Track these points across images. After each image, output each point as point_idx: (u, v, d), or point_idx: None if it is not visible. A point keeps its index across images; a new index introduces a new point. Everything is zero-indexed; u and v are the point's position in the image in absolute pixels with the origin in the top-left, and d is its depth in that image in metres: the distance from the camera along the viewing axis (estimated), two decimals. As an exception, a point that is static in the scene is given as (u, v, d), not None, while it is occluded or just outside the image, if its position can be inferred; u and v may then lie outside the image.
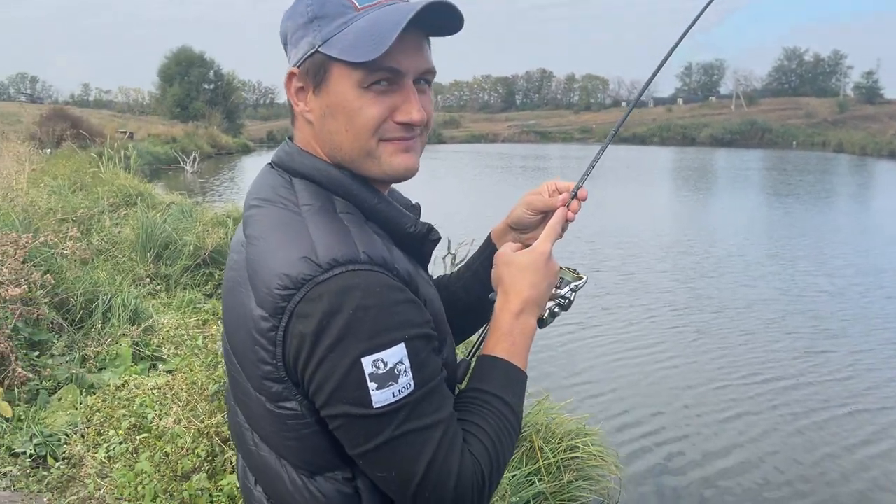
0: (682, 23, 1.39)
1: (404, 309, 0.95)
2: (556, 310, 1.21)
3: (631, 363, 7.09)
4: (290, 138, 1.13)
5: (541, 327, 1.19)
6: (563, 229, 1.27)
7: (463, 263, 1.45)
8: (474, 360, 1.15)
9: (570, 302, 1.22)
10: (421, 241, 1.11)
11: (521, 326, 1.12)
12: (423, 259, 1.14)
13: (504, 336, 1.11)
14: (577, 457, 4.29)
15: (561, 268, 1.23)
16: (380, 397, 0.91)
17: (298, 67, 1.03)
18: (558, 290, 1.21)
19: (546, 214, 1.30)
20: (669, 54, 1.39)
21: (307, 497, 1.02)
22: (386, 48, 0.94)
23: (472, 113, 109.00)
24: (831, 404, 6.06)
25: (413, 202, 1.25)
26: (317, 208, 1.01)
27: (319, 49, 0.99)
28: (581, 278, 1.24)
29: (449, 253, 7.42)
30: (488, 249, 1.38)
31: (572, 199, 1.26)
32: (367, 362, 0.90)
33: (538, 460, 4.11)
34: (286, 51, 1.07)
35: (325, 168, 1.05)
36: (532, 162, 43.47)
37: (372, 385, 0.90)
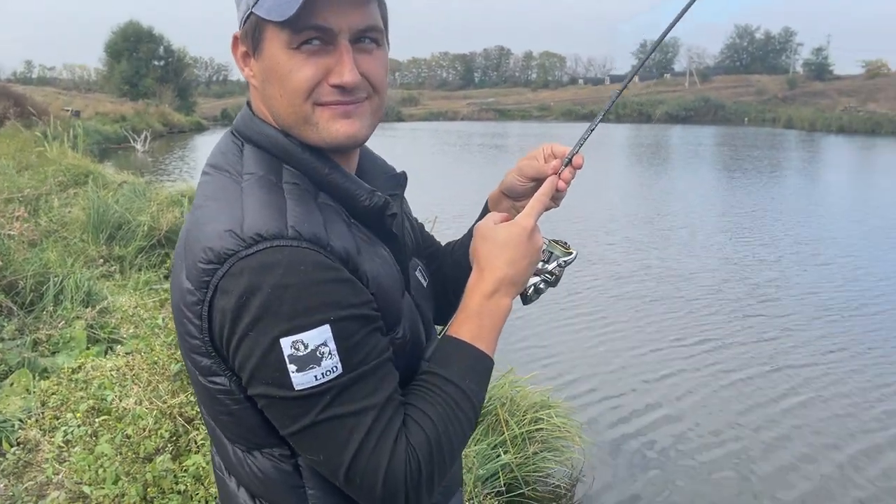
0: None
1: (332, 288, 0.88)
2: (542, 286, 1.13)
3: (588, 334, 7.20)
4: (249, 103, 1.06)
5: (524, 304, 1.15)
6: (559, 199, 1.19)
7: (462, 235, 1.35)
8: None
9: (558, 278, 1.15)
10: (378, 216, 1.02)
11: (493, 307, 1.04)
12: (386, 233, 1.05)
13: (472, 317, 1.03)
14: (541, 428, 4.34)
15: (549, 241, 1.16)
16: (301, 380, 0.86)
17: (240, 31, 0.99)
18: (545, 265, 1.14)
19: (539, 181, 1.20)
20: (667, 31, 1.35)
21: (248, 472, 1.00)
22: (298, 4, 0.87)
23: (430, 90, 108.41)
24: (775, 363, 6.33)
25: (398, 170, 1.19)
26: (258, 178, 0.95)
27: (253, 10, 0.93)
28: (570, 253, 1.16)
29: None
30: (483, 215, 1.30)
31: (565, 166, 1.17)
32: (285, 343, 0.85)
33: (504, 432, 4.14)
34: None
35: (274, 135, 0.99)
36: (491, 140, 43.50)
37: (291, 367, 0.86)
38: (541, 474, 4.24)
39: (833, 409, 5.55)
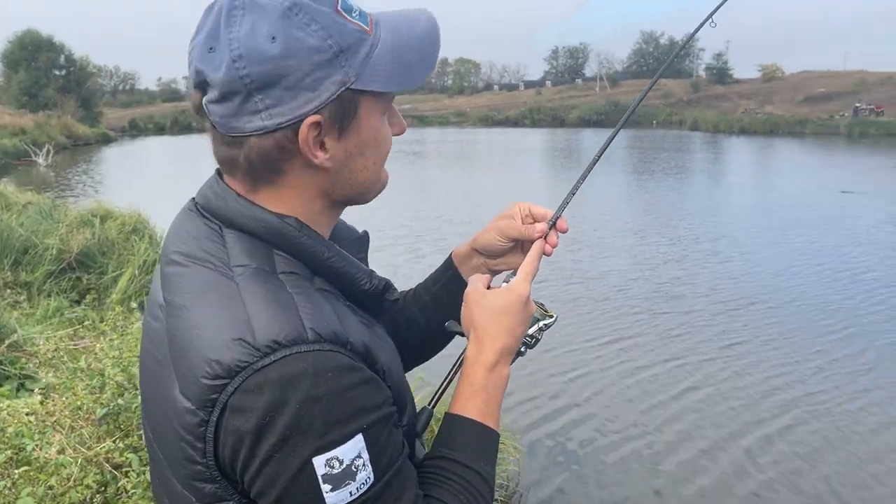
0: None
1: (361, 392, 0.81)
2: (523, 349, 1.09)
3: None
4: (220, 175, 0.94)
5: None
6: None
7: (421, 283, 1.31)
8: (435, 409, 1.06)
9: (538, 340, 1.12)
10: (377, 299, 0.96)
11: (496, 379, 1.00)
12: (377, 312, 0.99)
13: (478, 392, 0.98)
14: None
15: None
16: (335, 499, 0.78)
17: (322, 115, 0.85)
18: (528, 329, 1.10)
19: (518, 242, 1.19)
20: (688, 40, 1.39)
21: None
22: (433, 68, 0.92)
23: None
24: (678, 358, 6.60)
25: (360, 231, 1.12)
26: (252, 271, 0.85)
27: (355, 86, 0.86)
28: (551, 316, 1.13)
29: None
30: (449, 272, 1.26)
31: (549, 229, 1.15)
32: (319, 462, 0.77)
33: None
34: (262, 97, 0.83)
35: (268, 219, 0.89)
36: (409, 146, 43.51)
37: (326, 487, 0.78)
38: None
39: (731, 402, 5.86)
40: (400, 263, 10.23)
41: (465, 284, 1.16)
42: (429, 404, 1.08)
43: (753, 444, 5.16)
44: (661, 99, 71.63)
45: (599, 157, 1.30)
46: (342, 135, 0.88)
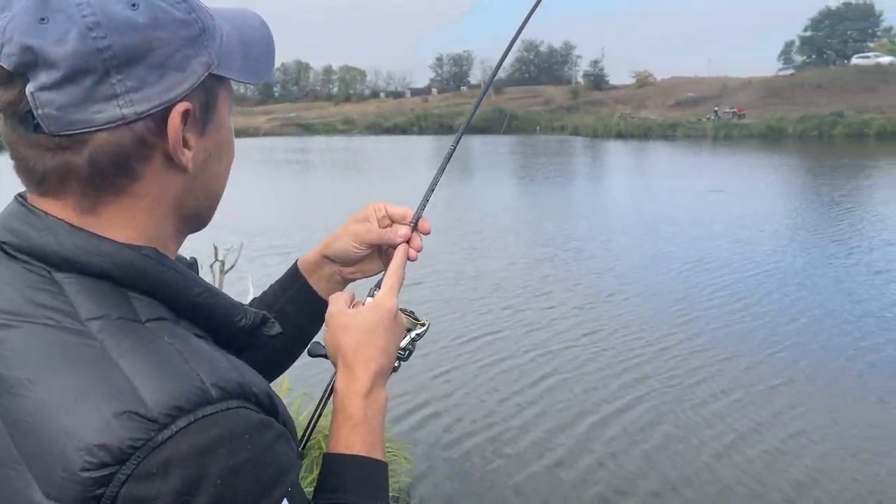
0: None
1: (279, 451, 0.69)
2: (396, 364, 0.99)
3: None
4: (23, 198, 0.74)
5: None
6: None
7: (259, 297, 1.16)
8: (309, 452, 0.92)
9: (411, 352, 1.03)
10: (250, 336, 0.82)
11: (375, 405, 0.90)
12: (244, 350, 0.84)
13: (358, 424, 0.88)
14: None
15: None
16: None
17: (192, 101, 0.71)
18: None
19: (377, 247, 1.09)
20: (508, 50, 1.27)
21: None
22: (274, 65, 0.82)
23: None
24: (542, 349, 6.87)
25: (188, 258, 0.91)
26: (116, 323, 0.67)
27: (219, 71, 0.74)
28: (423, 324, 1.04)
29: (217, 260, 6.94)
30: (297, 284, 1.12)
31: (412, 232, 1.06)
32: None
33: None
34: (122, 77, 0.67)
35: (124, 254, 0.70)
36: (295, 155, 42.74)
37: None
38: None
39: (584, 383, 6.31)
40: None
41: (315, 297, 1.10)
42: (298, 445, 0.92)
43: (598, 422, 5.36)
44: (543, 105, 73.98)
45: (453, 150, 1.18)
46: (205, 130, 0.76)
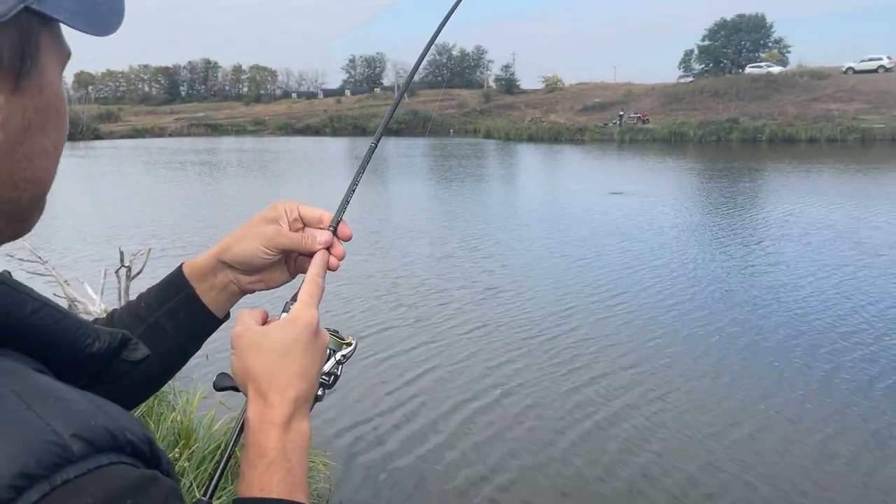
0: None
1: None
2: (320, 392, 0.85)
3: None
4: None
5: None
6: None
7: (126, 308, 0.94)
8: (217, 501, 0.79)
9: (337, 378, 0.88)
10: (104, 363, 0.65)
11: (295, 438, 0.76)
12: (88, 380, 0.66)
13: (276, 461, 0.73)
14: None
15: None
16: None
17: None
18: (323, 366, 0.86)
19: (285, 254, 0.94)
20: (426, 51, 1.16)
21: None
22: (122, 19, 0.58)
23: (132, 105, 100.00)
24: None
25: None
26: None
27: (34, 5, 0.51)
28: (349, 344, 0.91)
29: (123, 266, 6.69)
30: (180, 294, 0.92)
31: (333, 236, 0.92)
32: None
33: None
34: None
35: None
36: (204, 157, 41.44)
37: None
38: None
39: (467, 375, 6.60)
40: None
41: (203, 310, 0.92)
42: (204, 495, 0.81)
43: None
44: (457, 108, 74.57)
45: (374, 147, 1.07)
46: (20, 85, 0.53)
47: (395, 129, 67.61)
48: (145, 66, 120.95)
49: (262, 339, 0.79)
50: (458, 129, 66.91)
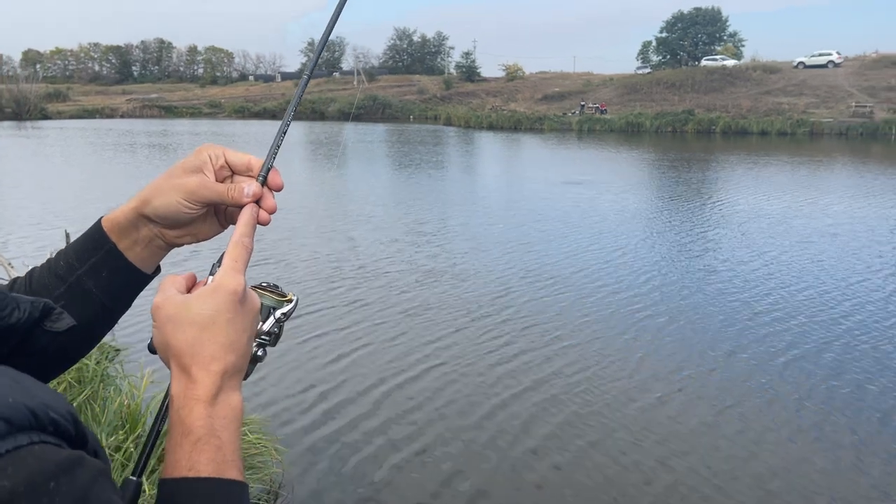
0: None
1: (98, 494, 0.52)
2: (261, 353, 0.81)
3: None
4: None
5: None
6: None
7: (46, 266, 0.88)
8: (147, 478, 0.70)
9: (278, 336, 0.84)
10: (25, 334, 0.63)
11: (224, 413, 0.71)
12: (8, 352, 0.64)
13: (203, 439, 0.69)
14: None
15: (255, 289, 0.82)
16: None
17: None
18: (261, 326, 0.81)
19: (214, 206, 0.86)
20: (327, 35, 1.07)
21: None
22: None
23: (81, 85, 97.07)
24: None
25: None
26: None
27: None
28: (289, 301, 0.84)
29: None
30: (101, 251, 0.85)
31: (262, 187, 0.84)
32: None
33: None
34: None
35: None
36: (159, 139, 40.53)
37: None
38: None
39: (392, 353, 6.46)
40: (163, 267, 9.59)
41: (127, 267, 0.85)
42: (134, 473, 0.76)
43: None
44: (417, 95, 74.25)
45: (307, 80, 0.98)
46: None
47: (355, 114, 67.07)
48: (96, 45, 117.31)
49: (182, 312, 0.73)
50: (418, 115, 66.66)
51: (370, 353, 6.93)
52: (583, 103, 56.07)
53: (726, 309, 8.39)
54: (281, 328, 0.83)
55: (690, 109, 49.98)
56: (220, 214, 0.88)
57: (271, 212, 0.84)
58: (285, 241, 12.00)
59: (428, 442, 5.16)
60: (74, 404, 4.30)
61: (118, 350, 6.65)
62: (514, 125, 53.10)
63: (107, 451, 3.59)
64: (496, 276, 9.89)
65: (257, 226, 0.83)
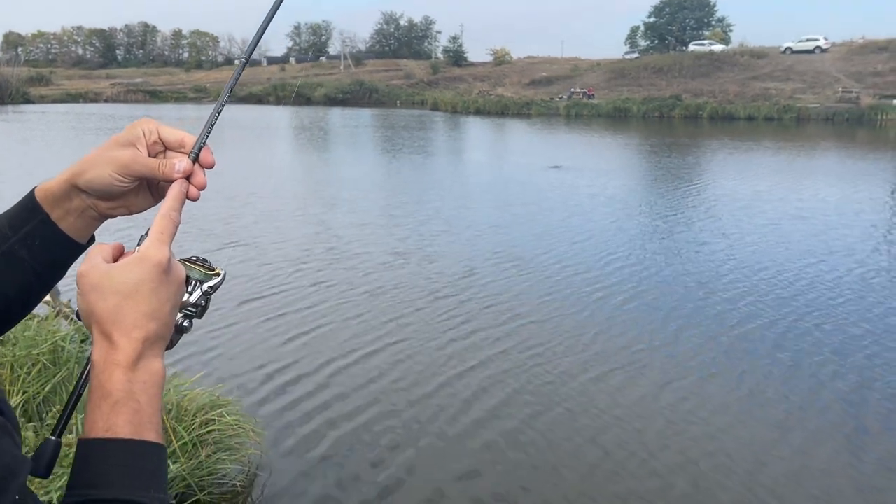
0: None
1: None
2: (186, 323, 0.85)
3: (252, 324, 7.26)
4: None
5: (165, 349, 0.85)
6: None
7: None
8: (64, 438, 0.77)
9: (205, 308, 0.87)
10: None
11: (144, 378, 0.74)
12: None
13: (122, 402, 0.72)
14: (213, 430, 4.20)
15: (184, 262, 0.85)
16: None
17: None
18: (188, 297, 0.85)
19: (147, 180, 0.88)
20: (269, 18, 1.01)
21: None
22: None
23: (64, 69, 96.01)
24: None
25: None
26: None
27: None
28: (217, 274, 0.88)
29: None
30: (34, 220, 0.87)
31: (194, 163, 0.86)
32: None
33: (172, 441, 3.95)
34: None
35: None
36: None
37: None
38: (216, 476, 4.20)
39: (348, 331, 6.64)
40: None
41: (60, 236, 0.87)
42: (53, 434, 0.78)
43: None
44: (404, 79, 73.93)
45: (246, 61, 1.01)
46: None
47: (341, 99, 66.69)
48: (79, 28, 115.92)
49: (106, 280, 0.75)
50: (405, 100, 66.36)
51: (330, 331, 7.08)
52: (572, 89, 56.02)
53: (682, 289, 8.55)
54: (208, 301, 0.87)
55: (678, 95, 50.04)
56: (153, 188, 0.90)
57: (201, 188, 0.86)
58: (258, 225, 12.11)
59: (407, 419, 5.28)
60: (49, 386, 4.28)
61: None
62: (502, 110, 52.99)
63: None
64: (464, 258, 10.00)
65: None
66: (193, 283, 0.86)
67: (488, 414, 5.36)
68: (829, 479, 4.59)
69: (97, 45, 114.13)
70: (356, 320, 7.39)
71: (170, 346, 0.83)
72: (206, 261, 0.88)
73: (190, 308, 0.85)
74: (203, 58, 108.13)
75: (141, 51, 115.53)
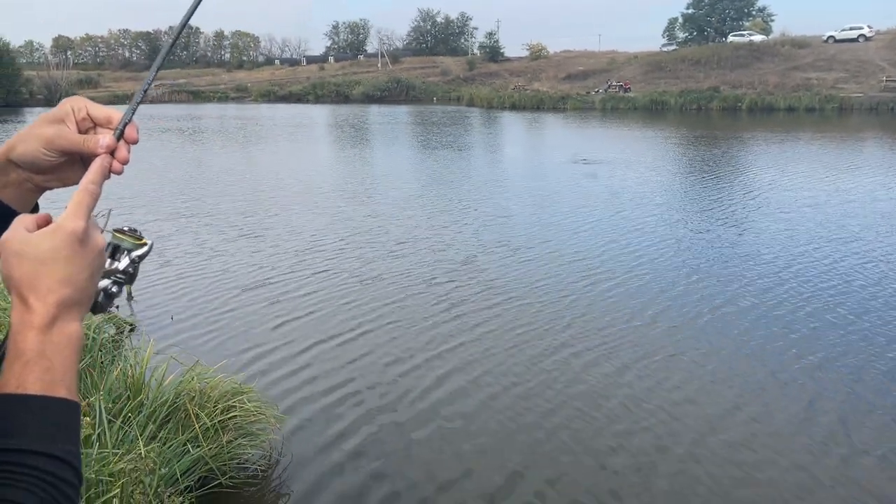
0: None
1: None
2: (115, 289, 0.92)
3: (268, 314, 7.47)
4: None
5: (95, 313, 0.91)
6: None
7: None
8: None
9: (133, 275, 0.94)
10: None
11: (58, 340, 0.79)
12: None
13: (33, 361, 0.77)
14: (234, 416, 4.30)
15: (114, 233, 0.94)
16: None
17: None
18: (116, 264, 0.92)
19: (73, 155, 0.92)
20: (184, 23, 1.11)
21: None
22: None
23: (112, 71, 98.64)
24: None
25: None
26: None
27: None
28: (144, 244, 0.95)
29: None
30: None
31: (118, 140, 0.91)
32: None
33: (195, 426, 4.08)
34: None
35: None
36: (188, 123, 41.26)
37: None
38: (237, 462, 4.28)
39: (343, 314, 6.64)
40: (180, 246, 9.92)
41: (2, 207, 0.94)
42: None
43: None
44: (441, 76, 74.15)
45: (174, 40, 1.11)
46: None
47: (378, 96, 67.33)
48: (125, 31, 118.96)
49: (25, 247, 0.80)
50: (441, 96, 66.66)
51: (324, 315, 7.45)
52: (609, 82, 55.65)
53: (668, 275, 8.79)
54: (136, 269, 0.94)
55: (716, 87, 49.31)
56: (86, 162, 0.92)
57: (124, 163, 0.90)
58: (277, 217, 12.50)
59: (424, 406, 5.42)
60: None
61: (132, 325, 6.92)
62: (537, 105, 52.88)
63: (106, 415, 3.84)
64: (464, 248, 10.38)
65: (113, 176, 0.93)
66: (123, 251, 0.93)
67: (549, 403, 5.46)
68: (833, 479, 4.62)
69: (143, 47, 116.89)
70: (385, 312, 7.48)
71: (101, 310, 0.91)
72: (135, 231, 0.95)
73: (119, 275, 0.92)
74: (244, 58, 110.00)
75: (185, 52, 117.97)
